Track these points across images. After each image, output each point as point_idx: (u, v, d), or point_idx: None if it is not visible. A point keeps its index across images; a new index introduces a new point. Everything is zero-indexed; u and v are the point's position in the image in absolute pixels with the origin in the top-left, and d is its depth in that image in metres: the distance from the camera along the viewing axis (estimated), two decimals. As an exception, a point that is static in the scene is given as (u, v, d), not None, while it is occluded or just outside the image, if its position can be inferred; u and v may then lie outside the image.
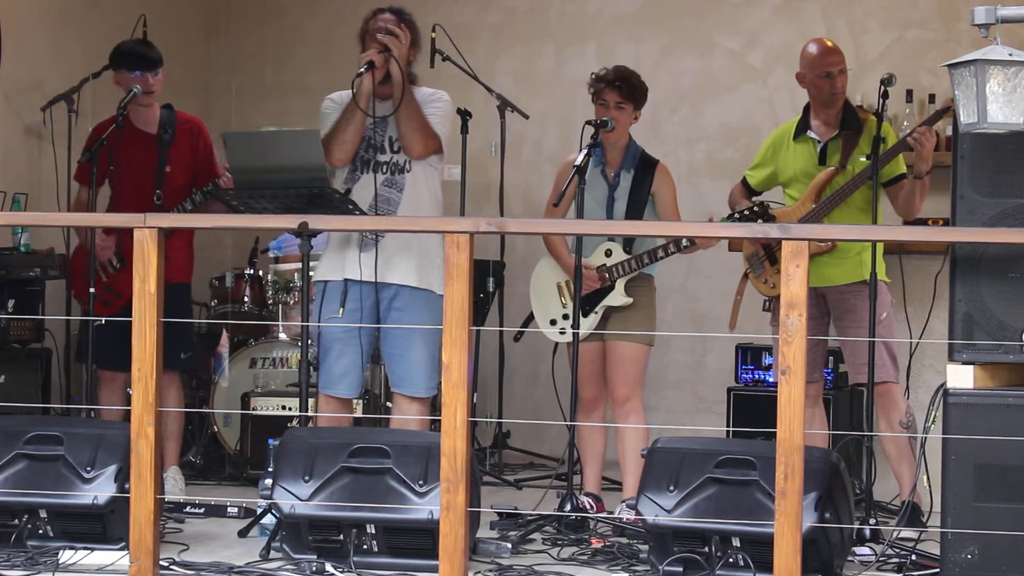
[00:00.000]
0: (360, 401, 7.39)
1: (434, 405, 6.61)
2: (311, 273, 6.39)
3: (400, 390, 6.44)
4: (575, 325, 6.49)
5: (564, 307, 6.72)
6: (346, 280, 6.35)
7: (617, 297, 6.66)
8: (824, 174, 6.60)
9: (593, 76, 6.75)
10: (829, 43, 6.73)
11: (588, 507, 6.50)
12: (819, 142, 6.68)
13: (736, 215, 6.51)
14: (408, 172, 6.40)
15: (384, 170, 6.41)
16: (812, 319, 6.54)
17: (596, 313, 6.67)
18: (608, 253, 6.67)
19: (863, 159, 6.49)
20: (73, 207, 7.21)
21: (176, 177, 7.11)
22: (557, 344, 6.88)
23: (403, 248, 6.32)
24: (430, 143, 6.36)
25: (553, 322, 6.77)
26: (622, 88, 6.66)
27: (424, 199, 6.39)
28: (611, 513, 6.44)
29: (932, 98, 8.07)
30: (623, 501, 6.54)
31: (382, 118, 6.39)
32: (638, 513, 5.54)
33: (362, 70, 6.28)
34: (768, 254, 6.78)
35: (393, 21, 6.39)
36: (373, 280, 6.32)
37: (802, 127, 6.75)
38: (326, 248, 6.52)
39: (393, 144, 6.42)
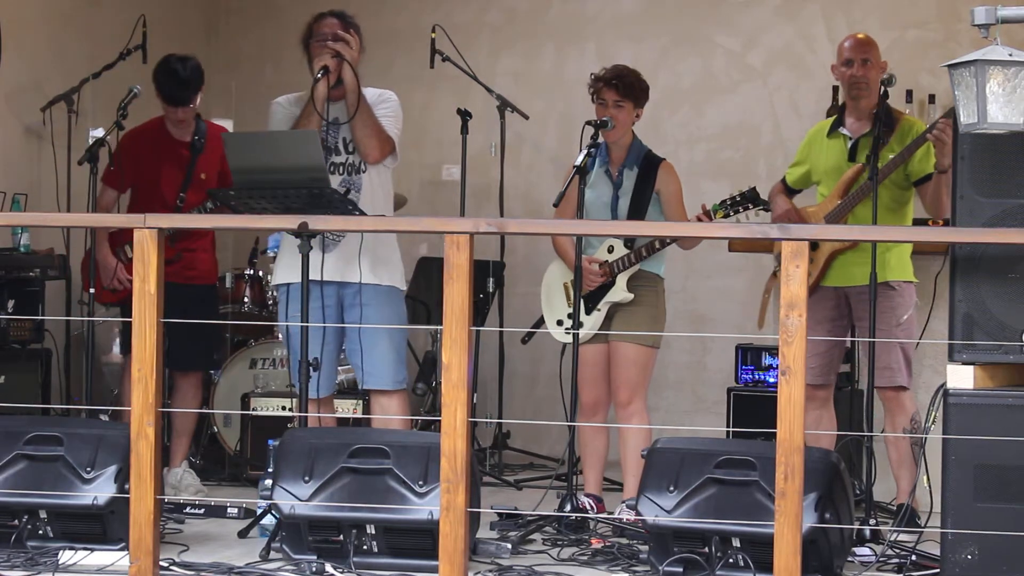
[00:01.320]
0: (359, 401, 7.40)
1: (434, 405, 6.63)
2: (269, 276, 6.40)
3: (369, 385, 6.52)
4: (576, 324, 6.48)
5: (570, 307, 6.72)
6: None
7: (618, 292, 6.66)
8: (851, 171, 6.54)
9: (592, 76, 6.75)
10: (861, 36, 6.69)
11: (588, 508, 6.50)
12: (850, 138, 6.64)
13: (728, 200, 6.51)
14: (364, 172, 6.51)
15: (340, 171, 6.51)
16: (831, 321, 6.55)
17: (599, 310, 6.67)
18: (610, 249, 6.67)
19: (891, 156, 6.46)
20: (99, 209, 7.21)
21: (208, 183, 7.17)
22: (565, 345, 6.87)
23: (357, 249, 6.40)
24: (385, 147, 6.47)
25: (560, 322, 6.78)
26: (619, 86, 6.66)
27: (379, 197, 6.52)
28: (611, 513, 6.44)
29: (932, 98, 8.08)
30: (623, 501, 6.53)
31: (334, 120, 6.47)
32: (638, 513, 5.53)
33: (319, 76, 6.35)
34: None
35: (339, 26, 6.48)
36: (334, 280, 6.39)
37: (836, 124, 6.72)
38: (280, 250, 6.58)
39: (348, 145, 6.52)
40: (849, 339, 6.71)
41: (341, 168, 6.49)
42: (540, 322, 7.02)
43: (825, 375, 6.63)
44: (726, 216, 6.52)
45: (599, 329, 6.67)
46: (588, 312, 6.65)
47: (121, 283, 7.12)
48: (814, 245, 6.54)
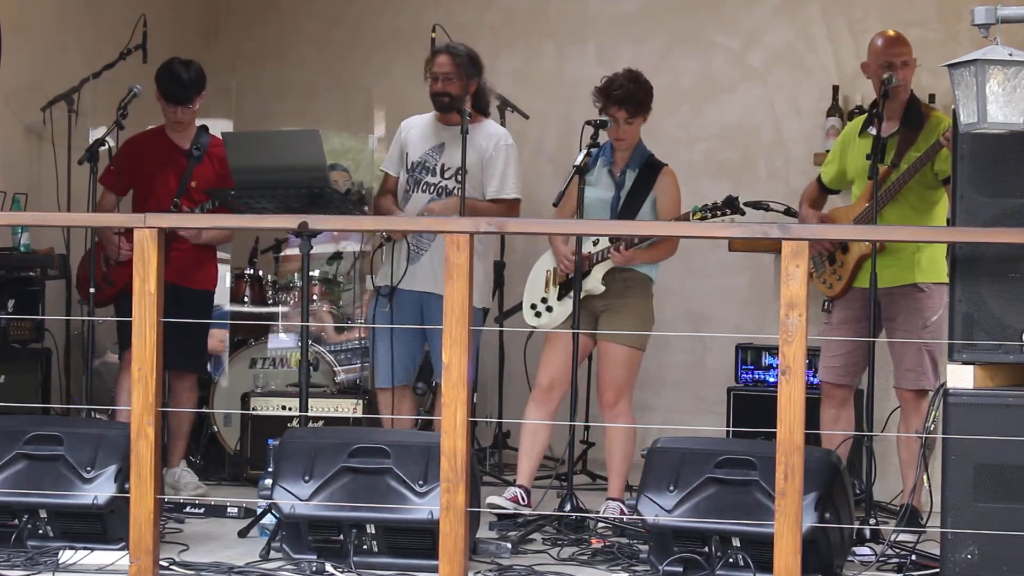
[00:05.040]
0: (360, 401, 7.40)
1: (434, 405, 6.68)
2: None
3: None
4: (576, 324, 6.48)
5: (546, 292, 6.77)
6: (394, 288, 6.82)
7: (590, 282, 6.63)
8: (880, 173, 6.46)
9: (596, 90, 6.67)
10: (892, 34, 6.60)
11: (519, 499, 6.46)
12: (879, 138, 6.49)
13: (708, 204, 6.46)
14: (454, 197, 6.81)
15: (431, 191, 6.83)
16: (857, 322, 6.46)
17: (571, 298, 6.63)
18: (596, 242, 6.67)
19: (916, 156, 6.39)
20: (97, 210, 7.21)
21: (197, 193, 7.15)
22: (531, 332, 7.00)
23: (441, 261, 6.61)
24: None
25: (533, 306, 6.79)
26: (630, 107, 6.63)
27: None
28: (598, 512, 6.42)
29: (932, 98, 8.07)
30: (608, 499, 6.54)
31: (440, 145, 6.82)
32: (638, 513, 5.54)
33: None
34: (829, 255, 6.67)
35: (448, 63, 6.82)
36: (417, 289, 6.79)
37: (867, 123, 6.59)
38: (383, 259, 6.95)
39: (444, 171, 6.81)
40: (863, 339, 6.66)
41: (432, 188, 6.85)
42: (519, 307, 7.07)
43: (847, 376, 6.56)
44: (703, 220, 6.47)
45: (585, 327, 6.63)
46: (560, 298, 6.67)
47: (128, 252, 7.05)
48: (844, 247, 6.51)
